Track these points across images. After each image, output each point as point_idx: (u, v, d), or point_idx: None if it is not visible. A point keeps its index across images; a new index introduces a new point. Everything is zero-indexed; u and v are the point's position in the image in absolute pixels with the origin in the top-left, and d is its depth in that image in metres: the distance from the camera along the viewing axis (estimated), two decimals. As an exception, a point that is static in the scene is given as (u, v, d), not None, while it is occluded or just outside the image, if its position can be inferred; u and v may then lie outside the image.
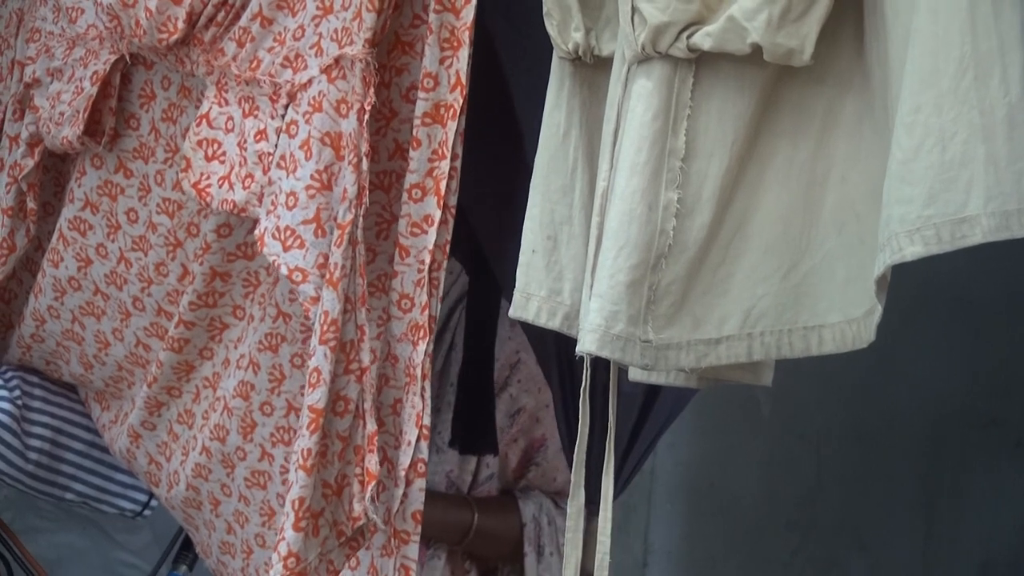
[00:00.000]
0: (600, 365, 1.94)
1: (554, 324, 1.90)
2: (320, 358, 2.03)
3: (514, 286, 1.92)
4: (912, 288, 4.13)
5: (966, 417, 4.33)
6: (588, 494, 1.99)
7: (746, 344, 1.69)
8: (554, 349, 2.35)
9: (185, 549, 2.76)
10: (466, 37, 2.02)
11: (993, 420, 4.32)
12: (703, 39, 1.62)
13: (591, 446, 1.98)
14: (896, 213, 1.50)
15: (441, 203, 2.05)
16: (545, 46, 1.88)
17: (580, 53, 1.83)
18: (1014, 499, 4.30)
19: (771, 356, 1.69)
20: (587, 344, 1.66)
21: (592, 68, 1.86)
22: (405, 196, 2.07)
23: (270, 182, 2.10)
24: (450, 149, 2.04)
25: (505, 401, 2.78)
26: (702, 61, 1.64)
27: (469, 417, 2.77)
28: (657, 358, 1.68)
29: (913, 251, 1.49)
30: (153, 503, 2.80)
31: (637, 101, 1.65)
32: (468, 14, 2.02)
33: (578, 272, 1.85)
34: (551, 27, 1.84)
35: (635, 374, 1.89)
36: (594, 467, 2.00)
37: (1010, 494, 4.30)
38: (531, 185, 1.91)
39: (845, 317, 1.66)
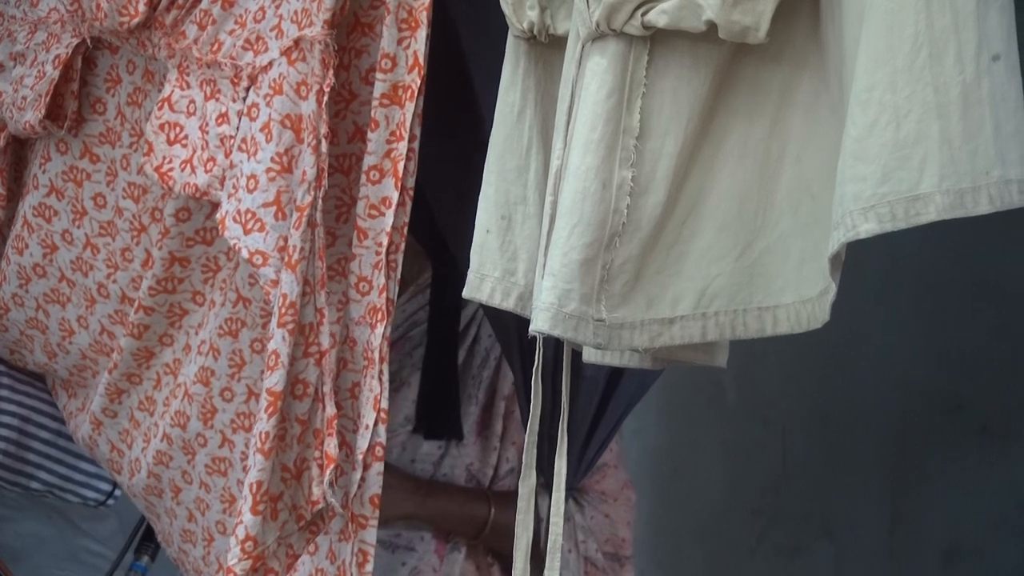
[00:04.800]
0: (558, 346, 1.93)
1: (508, 305, 1.89)
2: (278, 341, 2.02)
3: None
4: (876, 274, 4.14)
5: (931, 403, 4.34)
6: (548, 477, 1.98)
7: (700, 324, 1.68)
8: (515, 331, 2.35)
9: (147, 539, 2.74)
10: (424, 17, 2.01)
11: (958, 406, 4.33)
12: (658, 16, 1.61)
13: (552, 428, 1.97)
14: (850, 191, 1.49)
15: (399, 185, 2.04)
16: (503, 25, 1.87)
17: (535, 32, 1.82)
18: (979, 485, 4.31)
19: (725, 336, 1.68)
20: (540, 323, 1.65)
21: (547, 47, 1.85)
22: (363, 178, 2.06)
23: (232, 165, 2.09)
24: (408, 130, 2.03)
25: None
26: (657, 39, 1.63)
27: (431, 402, 2.77)
28: (610, 337, 1.67)
29: (867, 228, 1.48)
30: (117, 492, 2.79)
31: (591, 79, 1.65)
32: None
33: (532, 252, 1.85)
34: (506, 6, 1.84)
35: (589, 354, 1.88)
36: (554, 449, 1.98)
37: (975, 480, 4.31)
38: (486, 165, 1.90)
39: (799, 297, 1.65)
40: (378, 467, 2.06)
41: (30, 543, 3.01)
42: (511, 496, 2.76)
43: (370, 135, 2.04)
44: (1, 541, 2.83)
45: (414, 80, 2.02)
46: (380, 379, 2.06)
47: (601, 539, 2.83)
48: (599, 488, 2.83)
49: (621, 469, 2.88)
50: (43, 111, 2.35)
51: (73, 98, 2.35)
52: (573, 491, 2.81)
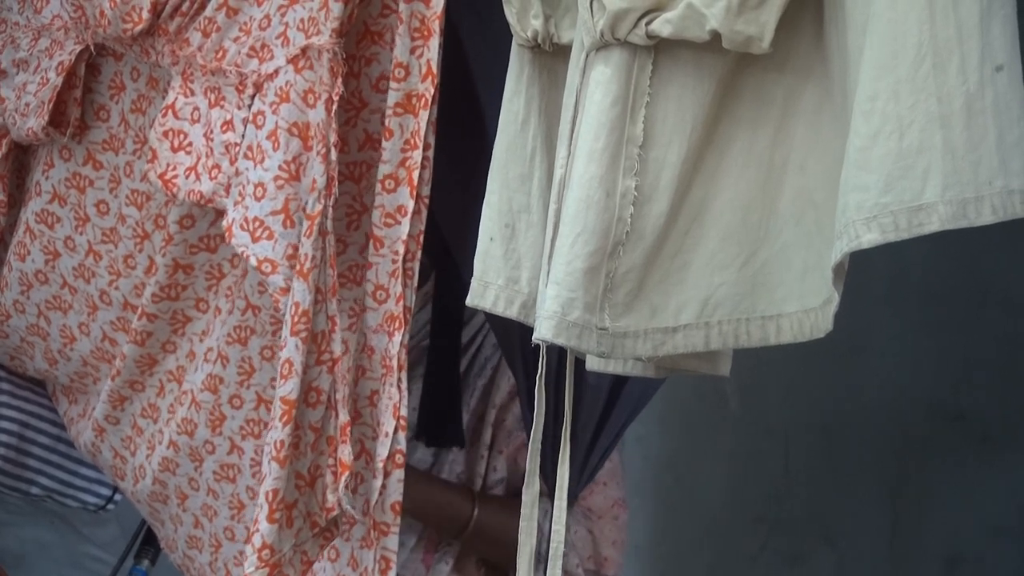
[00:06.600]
0: (562, 353, 1.93)
1: (511, 312, 1.89)
2: (292, 349, 2.02)
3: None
4: (881, 282, 4.14)
5: (933, 412, 4.34)
6: (550, 484, 1.98)
7: (703, 333, 1.68)
8: (517, 338, 2.35)
9: (147, 544, 2.75)
10: (436, 26, 2.02)
11: (960, 415, 4.33)
12: (662, 26, 1.61)
13: (555, 436, 1.97)
14: (853, 200, 1.49)
15: (414, 193, 2.05)
16: (507, 32, 1.88)
17: (539, 40, 1.83)
18: (980, 494, 4.31)
19: (728, 345, 1.68)
20: (543, 331, 1.65)
21: (551, 55, 1.85)
22: (378, 187, 2.06)
23: (237, 173, 2.09)
24: (422, 139, 2.04)
25: (518, 406, 2.76)
26: (661, 48, 1.64)
27: (434, 410, 2.77)
28: (613, 346, 1.67)
29: (870, 238, 1.48)
30: (117, 497, 2.80)
31: (595, 88, 1.65)
32: (438, 3, 2.02)
33: (536, 260, 1.85)
34: (510, 14, 1.84)
35: (592, 363, 1.88)
36: (557, 457, 1.99)
37: (976, 489, 4.31)
38: (489, 173, 1.91)
39: (803, 307, 1.65)
40: (399, 474, 2.07)
41: (32, 548, 3.01)
42: (498, 500, 2.76)
43: (384, 144, 2.05)
44: (3, 546, 2.83)
45: (427, 89, 2.02)
46: (399, 387, 2.07)
47: (584, 555, 2.82)
48: (585, 504, 2.82)
49: (613, 486, 2.86)
50: (46, 118, 2.35)
51: (76, 105, 2.36)
52: (574, 499, 2.80)
